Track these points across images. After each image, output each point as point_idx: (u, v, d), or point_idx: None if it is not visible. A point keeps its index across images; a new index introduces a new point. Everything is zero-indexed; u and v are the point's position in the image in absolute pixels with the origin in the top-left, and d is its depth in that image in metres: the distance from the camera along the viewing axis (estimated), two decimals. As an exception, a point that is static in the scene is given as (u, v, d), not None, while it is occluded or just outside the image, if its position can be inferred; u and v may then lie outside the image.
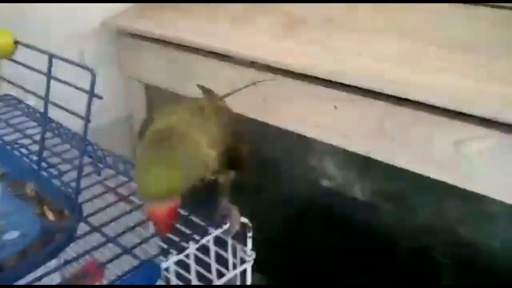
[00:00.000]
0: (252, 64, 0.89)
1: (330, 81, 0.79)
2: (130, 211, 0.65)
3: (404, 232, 0.85)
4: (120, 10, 1.15)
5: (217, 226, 0.61)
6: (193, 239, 0.61)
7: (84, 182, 0.81)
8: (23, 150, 0.74)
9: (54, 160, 0.80)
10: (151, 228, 0.68)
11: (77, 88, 0.60)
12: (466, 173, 0.70)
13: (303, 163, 0.94)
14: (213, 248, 0.64)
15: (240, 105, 0.93)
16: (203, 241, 0.60)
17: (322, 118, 0.84)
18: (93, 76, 0.56)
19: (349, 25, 0.88)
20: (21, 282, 0.50)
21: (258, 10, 1.01)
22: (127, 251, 0.57)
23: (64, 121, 0.94)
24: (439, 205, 0.79)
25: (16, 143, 0.76)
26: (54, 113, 0.90)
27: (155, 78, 1.11)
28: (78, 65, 0.59)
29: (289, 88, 0.86)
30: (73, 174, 0.70)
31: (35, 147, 0.78)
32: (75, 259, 0.58)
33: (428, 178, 0.73)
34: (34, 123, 0.84)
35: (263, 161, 1.02)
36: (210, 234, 0.60)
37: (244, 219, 0.63)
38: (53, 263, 0.58)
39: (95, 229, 0.59)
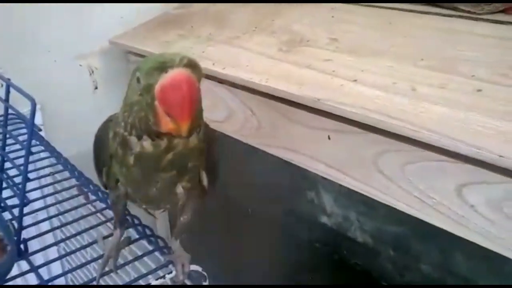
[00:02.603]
0: (246, 87, 0.82)
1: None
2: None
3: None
4: (131, 28, 1.12)
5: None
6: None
7: (70, 204, 0.81)
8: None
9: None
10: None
11: (19, 114, 0.57)
12: (469, 223, 0.59)
13: (300, 197, 0.86)
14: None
15: (235, 127, 0.88)
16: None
17: (315, 148, 0.76)
18: (33, 104, 0.53)
19: (352, 46, 0.79)
20: None
21: (263, 27, 0.94)
22: None
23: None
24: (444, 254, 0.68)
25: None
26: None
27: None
28: (21, 92, 0.55)
29: (283, 114, 0.79)
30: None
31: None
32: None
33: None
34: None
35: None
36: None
37: (197, 268, 0.56)
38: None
39: (32, 269, 0.54)
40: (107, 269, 0.60)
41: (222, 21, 1.01)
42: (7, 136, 0.66)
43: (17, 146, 0.85)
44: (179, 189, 0.54)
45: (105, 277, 0.64)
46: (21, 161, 0.73)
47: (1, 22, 0.99)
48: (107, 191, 0.63)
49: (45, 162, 0.92)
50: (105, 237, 0.65)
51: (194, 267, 0.56)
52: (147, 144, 0.49)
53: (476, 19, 0.77)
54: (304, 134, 0.77)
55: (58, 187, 0.85)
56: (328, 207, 0.81)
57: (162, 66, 0.45)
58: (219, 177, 0.59)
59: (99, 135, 0.58)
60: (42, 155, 0.94)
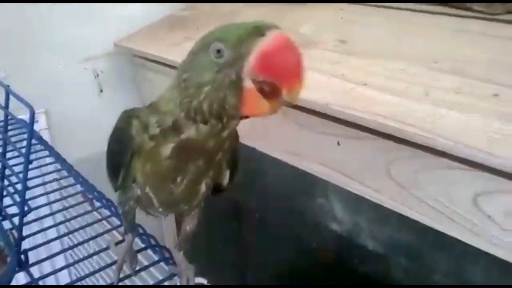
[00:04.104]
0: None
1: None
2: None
3: None
4: (136, 30, 1.11)
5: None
6: None
7: (75, 211, 0.79)
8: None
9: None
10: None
11: (18, 121, 0.56)
12: (485, 233, 0.56)
13: (309, 202, 0.83)
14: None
15: (241, 132, 0.86)
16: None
17: (324, 154, 0.74)
18: (31, 112, 0.51)
19: (361, 48, 0.76)
20: None
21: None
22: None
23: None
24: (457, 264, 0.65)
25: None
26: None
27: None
28: (19, 100, 0.53)
29: (290, 119, 0.77)
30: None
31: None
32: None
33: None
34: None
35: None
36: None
37: (202, 280, 0.54)
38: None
39: (32, 281, 0.52)
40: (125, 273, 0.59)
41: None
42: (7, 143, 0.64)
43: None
44: (203, 187, 0.51)
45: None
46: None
47: (6, 26, 0.99)
48: (117, 193, 0.59)
49: (50, 168, 0.91)
50: (117, 243, 0.63)
51: (199, 279, 0.54)
52: (203, 127, 0.44)
53: (491, 20, 0.75)
54: (312, 139, 0.75)
55: (64, 193, 0.84)
56: (338, 214, 0.79)
57: (257, 31, 0.39)
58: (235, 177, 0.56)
59: (120, 130, 0.50)
60: (48, 160, 0.92)
